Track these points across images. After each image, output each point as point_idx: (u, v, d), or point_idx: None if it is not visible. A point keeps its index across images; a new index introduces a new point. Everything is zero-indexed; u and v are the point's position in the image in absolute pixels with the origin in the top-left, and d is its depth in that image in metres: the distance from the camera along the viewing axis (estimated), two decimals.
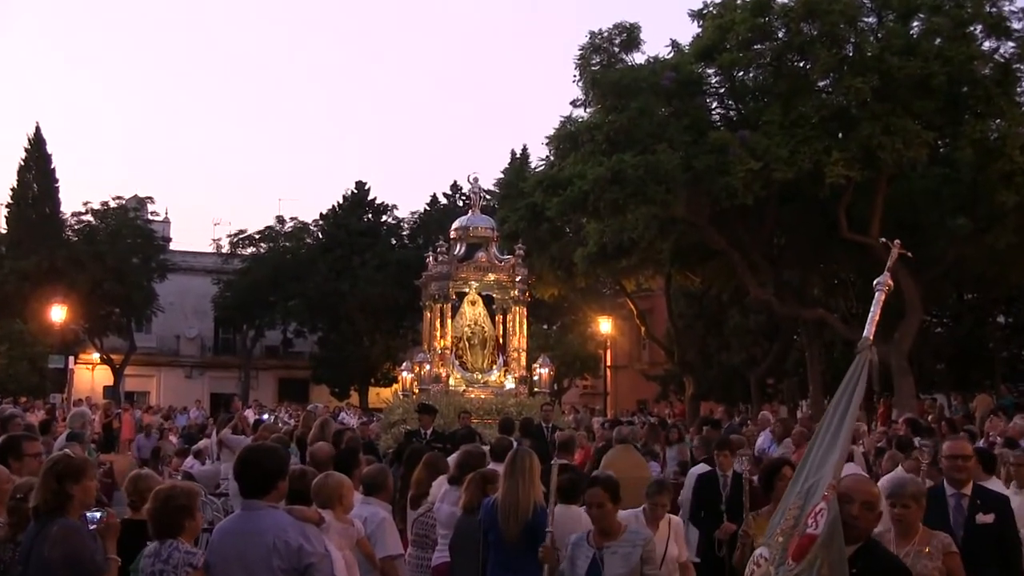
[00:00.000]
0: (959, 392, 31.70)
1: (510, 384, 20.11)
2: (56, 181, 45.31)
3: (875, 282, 5.32)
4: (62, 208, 45.79)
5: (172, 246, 52.51)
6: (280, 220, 51.64)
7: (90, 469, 5.52)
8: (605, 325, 40.80)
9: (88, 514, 5.30)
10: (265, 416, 24.20)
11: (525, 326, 21.04)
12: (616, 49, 25.86)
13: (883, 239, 6.09)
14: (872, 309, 5.24)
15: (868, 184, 23.67)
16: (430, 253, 21.62)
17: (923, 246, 25.22)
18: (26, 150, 44.65)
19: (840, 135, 23.76)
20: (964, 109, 23.84)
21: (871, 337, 5.02)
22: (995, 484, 10.10)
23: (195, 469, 16.29)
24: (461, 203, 46.88)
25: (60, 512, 5.18)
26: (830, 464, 4.67)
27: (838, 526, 4.50)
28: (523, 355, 20.58)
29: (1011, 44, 23.93)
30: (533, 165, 37.12)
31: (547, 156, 29.08)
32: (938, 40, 23.52)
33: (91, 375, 48.92)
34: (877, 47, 23.16)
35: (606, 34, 25.69)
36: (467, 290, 20.88)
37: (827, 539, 4.47)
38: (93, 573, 5.11)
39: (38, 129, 45.18)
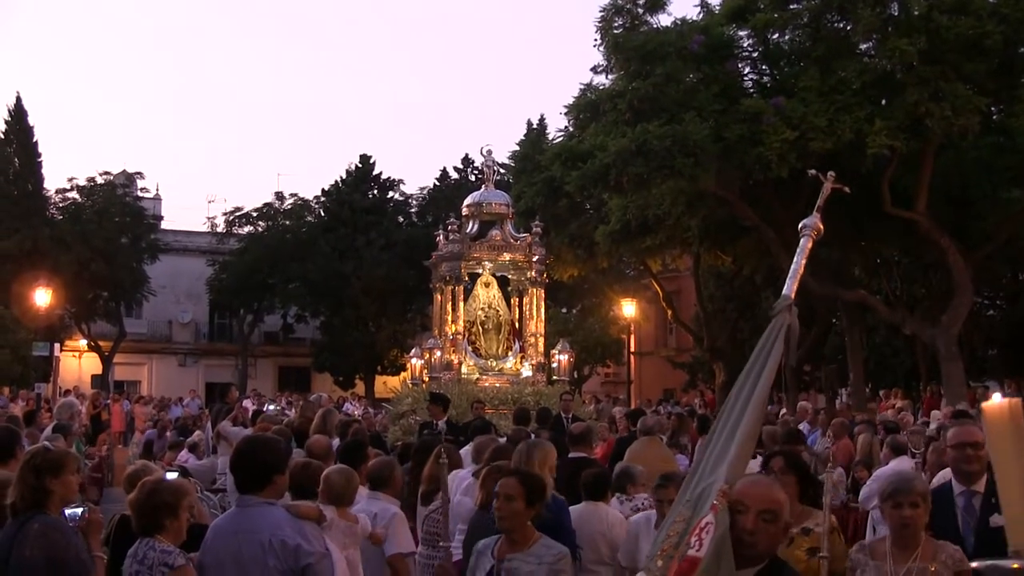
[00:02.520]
0: (1013, 379, 31.55)
1: (527, 372, 20.12)
2: (39, 155, 45.36)
3: (801, 225, 4.83)
4: (45, 184, 45.91)
5: (164, 225, 52.59)
6: (279, 197, 51.77)
7: (71, 463, 5.52)
8: (629, 308, 40.75)
9: (67, 511, 5.30)
10: (270, 407, 24.25)
11: (543, 309, 21.03)
12: (640, 10, 25.76)
13: (812, 171, 5.53)
14: (796, 258, 4.73)
15: (914, 155, 23.53)
16: (440, 231, 21.61)
17: (974, 222, 25.16)
18: (6, 122, 44.70)
19: (883, 102, 23.61)
20: (1020, 72, 23.66)
21: (792, 295, 4.51)
22: None
23: (190, 463, 16.34)
24: (473, 178, 46.85)
25: (39, 509, 5.19)
26: (726, 463, 4.05)
27: (726, 545, 3.81)
28: (540, 340, 20.57)
29: None
30: (551, 136, 36.94)
31: (566, 126, 29.05)
32: None
33: (78, 363, 49.16)
34: (925, 5, 22.94)
35: None
36: (480, 271, 20.89)
37: (711, 563, 3.78)
38: (78, 572, 5.12)
39: (19, 100, 45.24)
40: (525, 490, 5.52)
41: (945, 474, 10.65)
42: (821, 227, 4.75)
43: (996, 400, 2.90)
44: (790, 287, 4.51)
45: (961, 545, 5.41)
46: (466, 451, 10.46)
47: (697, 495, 4.02)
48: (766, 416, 21.52)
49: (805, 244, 4.67)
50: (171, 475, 7.38)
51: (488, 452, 8.64)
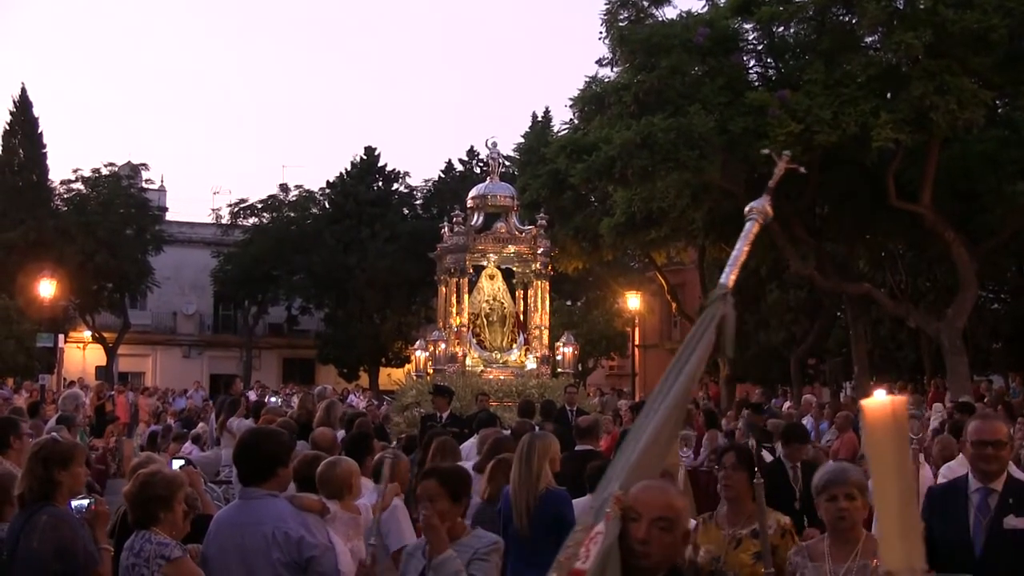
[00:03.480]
0: (1017, 373, 31.54)
1: (531, 364, 20.16)
2: (44, 147, 45.46)
3: (748, 208, 4.43)
4: (50, 176, 46.03)
5: (168, 216, 52.71)
6: (284, 188, 51.82)
7: (79, 454, 5.54)
8: (633, 301, 40.74)
9: (74, 503, 5.31)
10: (271, 399, 24.27)
11: (547, 302, 21.07)
12: (646, 3, 25.71)
13: (766, 149, 5.21)
14: (738, 244, 4.35)
15: (919, 148, 23.49)
16: (445, 224, 21.66)
17: (979, 215, 25.10)
18: (11, 113, 44.80)
19: (889, 95, 23.55)
20: None
21: (730, 284, 4.08)
22: (1013, 474, 10.05)
23: (194, 455, 16.38)
24: (478, 170, 46.84)
25: (47, 500, 5.20)
26: (630, 465, 3.69)
27: (613, 556, 3.47)
28: (545, 333, 20.61)
29: None
30: (556, 129, 36.89)
31: (571, 119, 28.94)
32: None
33: (82, 354, 49.26)
34: None
35: None
36: (485, 263, 20.92)
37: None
38: (86, 564, 5.13)
39: (24, 91, 45.35)
40: (447, 488, 5.30)
41: (953, 467, 10.62)
42: (770, 211, 4.38)
43: (878, 397, 2.39)
44: (728, 275, 4.11)
45: (969, 547, 5.22)
46: (471, 444, 10.48)
47: (601, 502, 3.66)
48: (782, 410, 21.55)
49: (750, 229, 4.30)
50: (177, 464, 7.39)
51: (488, 444, 8.64)
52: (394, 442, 13.73)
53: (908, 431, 2.41)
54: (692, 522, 6.13)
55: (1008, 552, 5.19)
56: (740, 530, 5.73)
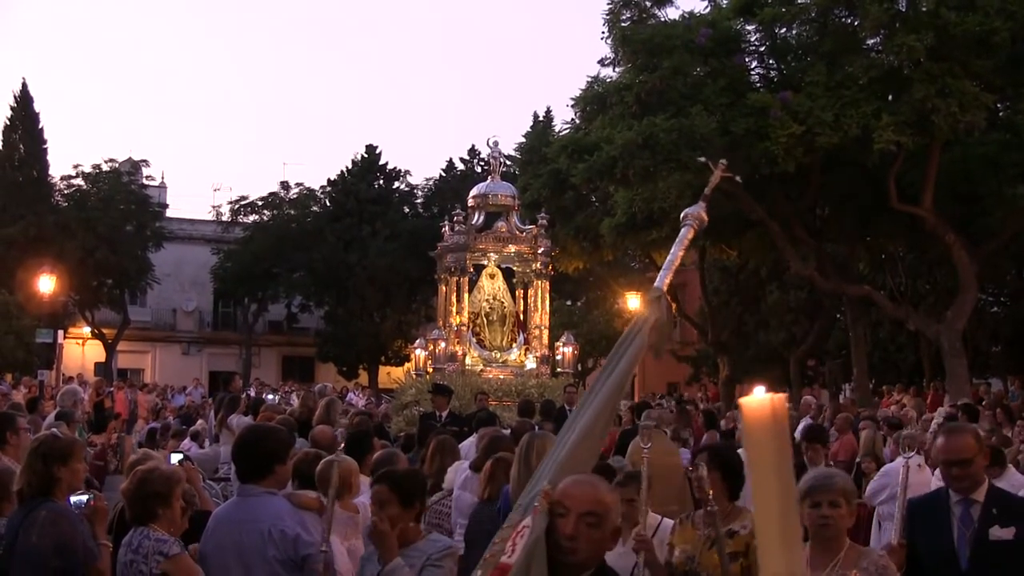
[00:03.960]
0: (1017, 376, 31.55)
1: (531, 364, 20.16)
2: (44, 142, 45.39)
3: (683, 214, 4.36)
4: (50, 171, 45.89)
5: (169, 213, 52.60)
6: (285, 186, 51.77)
7: (78, 450, 5.55)
8: (633, 301, 40.62)
9: (73, 499, 5.31)
10: (269, 396, 24.29)
11: (547, 301, 21.08)
12: (648, 3, 25.71)
13: (701, 158, 5.17)
14: (674, 249, 4.25)
15: (920, 151, 23.49)
16: (446, 222, 21.66)
17: (980, 218, 25.13)
18: (12, 108, 44.73)
19: (890, 97, 23.56)
20: None
21: (664, 287, 4.02)
22: (1012, 478, 10.02)
23: (193, 452, 16.38)
24: (479, 169, 46.87)
25: (47, 495, 5.20)
26: (559, 462, 3.67)
27: (539, 550, 3.38)
28: (545, 333, 20.62)
29: None
30: (557, 128, 36.88)
31: (572, 119, 28.93)
32: None
33: (81, 350, 49.25)
34: (932, 1, 22.85)
35: None
36: (485, 262, 20.93)
37: (520, 570, 3.41)
38: (85, 560, 5.13)
39: (25, 86, 45.27)
40: (398, 493, 5.14)
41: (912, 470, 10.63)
42: (705, 217, 4.33)
43: (757, 395, 2.24)
44: (663, 279, 4.03)
45: (954, 559, 5.10)
46: (470, 443, 10.48)
47: (531, 499, 3.62)
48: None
49: (685, 234, 4.23)
50: (175, 458, 7.39)
51: (484, 443, 8.64)
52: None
53: (788, 431, 2.22)
54: (670, 522, 6.30)
55: (995, 564, 5.08)
56: (712, 530, 5.63)
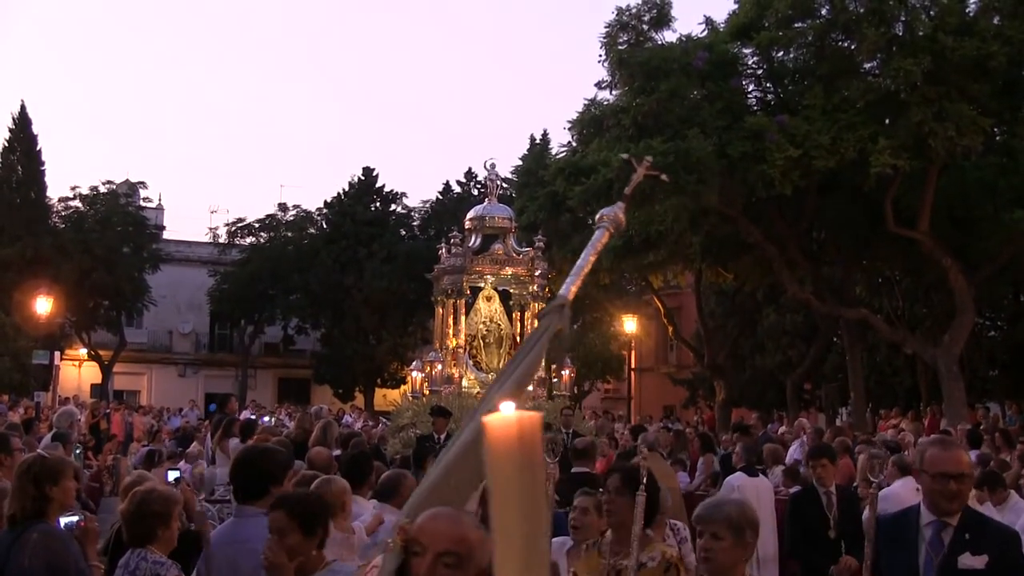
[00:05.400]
0: (1014, 400, 31.52)
1: (527, 386, 20.09)
2: (42, 164, 45.37)
3: (599, 215, 3.92)
4: (48, 193, 45.85)
5: (166, 235, 52.66)
6: (282, 208, 51.81)
7: (68, 469, 5.50)
8: (630, 324, 40.73)
9: (64, 520, 5.26)
10: (264, 419, 24.21)
11: None
12: (645, 26, 25.79)
13: (626, 155, 4.57)
14: (584, 253, 3.84)
15: (917, 174, 23.56)
16: (442, 245, 21.61)
17: (976, 242, 25.16)
18: (10, 130, 44.73)
19: (887, 121, 23.65)
20: (1023, 93, 23.69)
21: (570, 295, 3.50)
22: (1016, 505, 9.95)
23: (188, 474, 16.30)
24: (476, 191, 46.87)
25: (39, 517, 5.16)
26: (432, 484, 3.20)
27: None
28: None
29: None
30: (554, 151, 36.91)
31: (569, 141, 29.02)
32: (996, 18, 23.39)
33: (78, 372, 49.12)
34: (929, 25, 23.01)
35: (634, 10, 25.63)
36: (482, 284, 20.87)
37: None
38: None
39: (23, 108, 45.27)
40: (298, 520, 4.61)
41: (910, 493, 10.50)
42: (623, 219, 3.87)
43: (504, 411, 1.91)
44: (568, 287, 3.52)
45: None
46: None
47: (389, 532, 3.17)
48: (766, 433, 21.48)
49: (599, 237, 3.78)
50: (172, 476, 7.34)
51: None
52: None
53: (539, 453, 1.93)
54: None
55: None
56: (622, 560, 5.15)
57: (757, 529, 4.37)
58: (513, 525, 1.89)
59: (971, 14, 23.91)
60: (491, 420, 1.91)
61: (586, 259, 3.59)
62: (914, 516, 4.87)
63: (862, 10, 23.25)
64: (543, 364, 20.48)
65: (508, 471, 1.90)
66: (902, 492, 9.01)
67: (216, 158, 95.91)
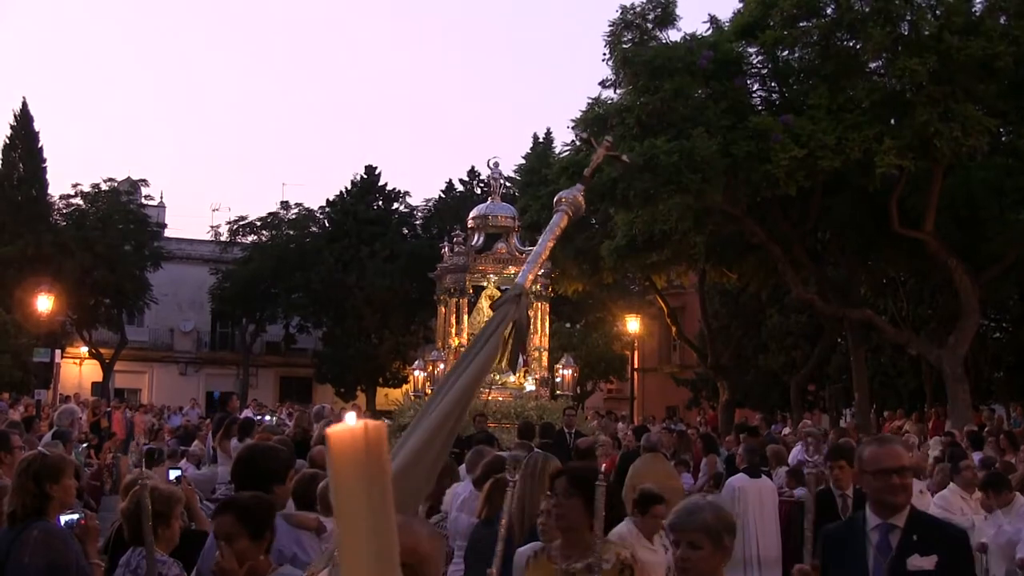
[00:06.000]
0: (1019, 402, 31.50)
1: (530, 386, 20.10)
2: (43, 161, 45.49)
3: (556, 198, 3.76)
4: (49, 190, 46.04)
5: (167, 233, 52.75)
6: (284, 206, 51.92)
7: (68, 467, 5.50)
8: (633, 324, 40.71)
9: (64, 518, 5.27)
10: (268, 418, 24.20)
11: (547, 323, 21.03)
12: (650, 25, 25.75)
13: (585, 134, 4.00)
14: (542, 239, 3.71)
15: (922, 175, 23.52)
16: (445, 244, 21.65)
17: (982, 243, 25.10)
18: (12, 127, 44.83)
19: (893, 121, 23.62)
20: None
21: (527, 283, 3.39)
22: (995, 514, 9.84)
23: (190, 472, 16.31)
24: (479, 190, 46.93)
25: (39, 515, 5.16)
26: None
27: None
28: (545, 355, 20.57)
29: None
30: (557, 150, 36.97)
31: (573, 140, 29.04)
32: (1003, 18, 23.34)
33: (78, 370, 49.18)
34: (935, 25, 22.97)
35: (639, 8, 25.58)
36: (485, 284, 20.89)
37: None
38: None
39: (25, 105, 45.41)
40: (247, 525, 4.47)
41: (946, 496, 10.52)
42: (582, 202, 3.71)
43: (348, 421, 1.72)
44: (526, 274, 3.32)
45: None
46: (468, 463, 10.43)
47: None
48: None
49: (558, 221, 3.58)
50: (173, 474, 7.35)
51: (482, 466, 8.58)
52: None
53: (386, 464, 1.75)
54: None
55: None
56: (574, 564, 4.96)
57: (734, 531, 4.23)
58: (361, 543, 1.72)
59: (977, 14, 23.85)
60: (334, 431, 1.71)
61: (544, 245, 3.54)
62: (860, 522, 4.75)
63: (867, 9, 23.19)
64: (549, 360, 20.54)
65: (354, 485, 1.71)
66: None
67: (218, 156, 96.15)
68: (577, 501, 4.93)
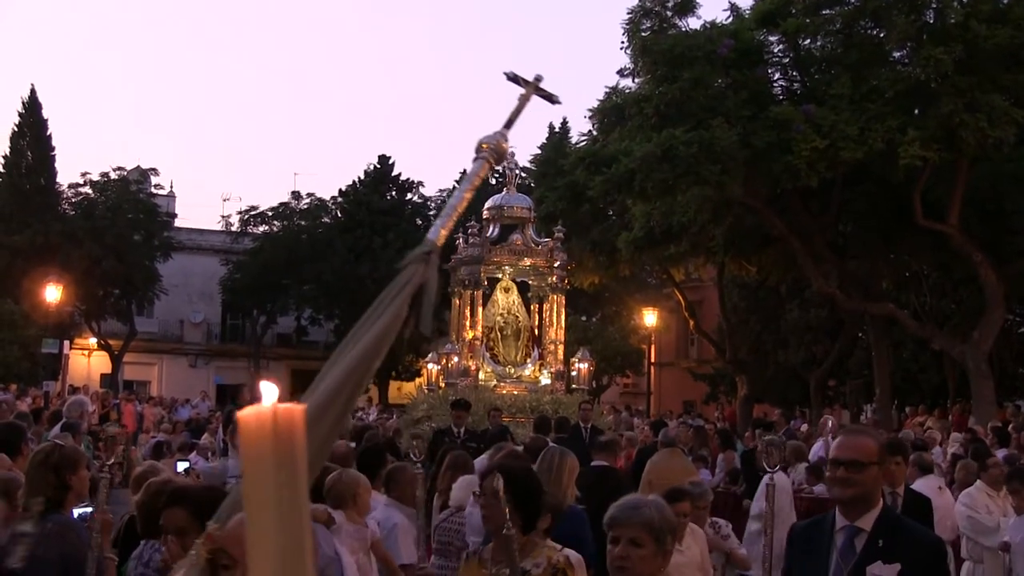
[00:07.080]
0: None
1: (545, 379, 20.11)
2: (52, 149, 45.58)
3: (479, 142, 3.59)
4: (58, 179, 46.14)
5: (177, 223, 52.71)
6: (295, 196, 51.84)
7: (82, 458, 5.54)
8: (650, 317, 40.64)
9: (77, 511, 5.30)
10: None
11: (563, 316, 21.03)
12: (669, 13, 25.70)
13: (507, 72, 3.74)
14: (458, 190, 3.39)
15: (947, 166, 23.43)
16: (459, 235, 21.63)
17: (1008, 236, 25.04)
18: (20, 115, 44.91)
19: (917, 111, 23.52)
20: None
21: (439, 240, 2.95)
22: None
23: (199, 466, 16.37)
24: (494, 181, 46.57)
25: (58, 507, 5.19)
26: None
27: None
28: (560, 348, 20.57)
29: None
30: (574, 140, 37.07)
31: (590, 130, 29.03)
32: None
33: (87, 361, 49.28)
34: (961, 13, 22.85)
35: None
36: (500, 276, 20.90)
37: None
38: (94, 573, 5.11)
39: (33, 92, 45.45)
40: (200, 519, 3.92)
41: (972, 493, 10.48)
42: (505, 147, 3.34)
43: (263, 403, 1.53)
44: (438, 230, 2.88)
45: None
46: (483, 460, 10.44)
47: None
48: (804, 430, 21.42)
49: (477, 170, 3.22)
50: (181, 466, 7.39)
51: (497, 459, 8.60)
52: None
53: (300, 450, 1.55)
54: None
55: None
56: (504, 568, 4.71)
57: (676, 534, 4.03)
58: (268, 536, 1.56)
59: (1005, 1, 23.75)
60: (244, 415, 1.53)
61: (460, 196, 2.88)
62: (828, 523, 4.50)
63: None
64: (564, 354, 20.53)
65: (260, 475, 1.56)
66: (924, 491, 8.95)
67: (229, 145, 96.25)
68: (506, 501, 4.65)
